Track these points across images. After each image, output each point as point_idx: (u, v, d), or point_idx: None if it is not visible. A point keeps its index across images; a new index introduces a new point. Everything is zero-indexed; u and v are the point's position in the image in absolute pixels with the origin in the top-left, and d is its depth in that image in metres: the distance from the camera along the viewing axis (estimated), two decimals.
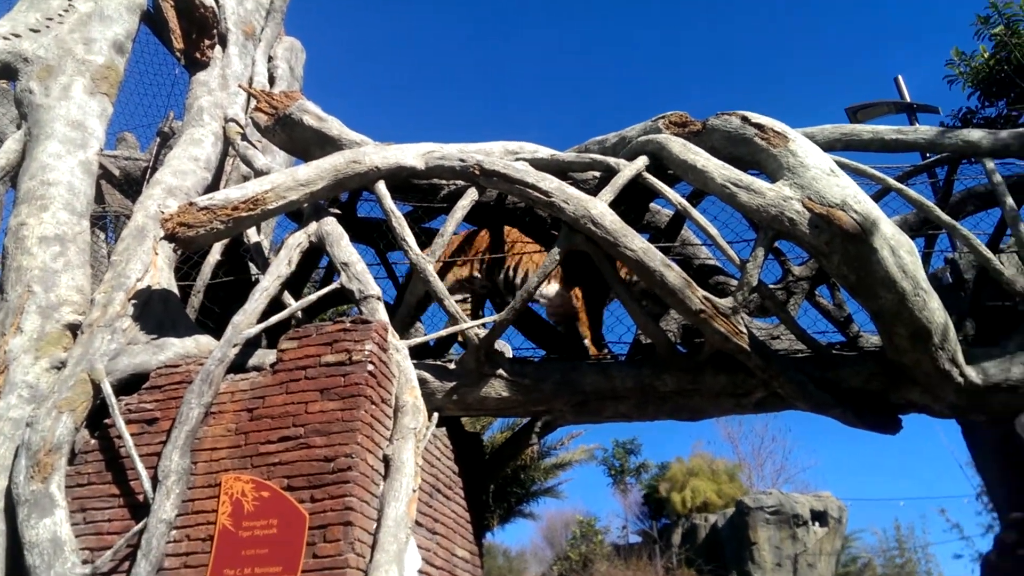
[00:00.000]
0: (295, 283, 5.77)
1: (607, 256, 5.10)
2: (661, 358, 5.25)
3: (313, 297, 5.25)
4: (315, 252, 5.73)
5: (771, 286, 6.08)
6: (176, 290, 5.73)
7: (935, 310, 4.53)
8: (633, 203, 6.05)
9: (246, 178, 6.83)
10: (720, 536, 24.44)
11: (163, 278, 5.60)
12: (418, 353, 5.53)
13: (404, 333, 5.51)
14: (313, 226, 5.44)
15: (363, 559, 3.83)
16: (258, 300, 4.88)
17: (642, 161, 5.45)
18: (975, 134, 5.55)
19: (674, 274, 4.86)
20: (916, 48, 70.48)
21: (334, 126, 6.08)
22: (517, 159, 5.67)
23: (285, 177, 5.24)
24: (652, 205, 6.67)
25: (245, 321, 4.73)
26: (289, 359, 4.43)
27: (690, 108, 5.74)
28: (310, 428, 4.15)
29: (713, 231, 5.11)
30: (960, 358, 4.75)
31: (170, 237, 4.97)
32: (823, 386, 4.99)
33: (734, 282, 5.51)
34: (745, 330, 4.90)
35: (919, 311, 4.48)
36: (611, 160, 5.56)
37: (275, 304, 5.17)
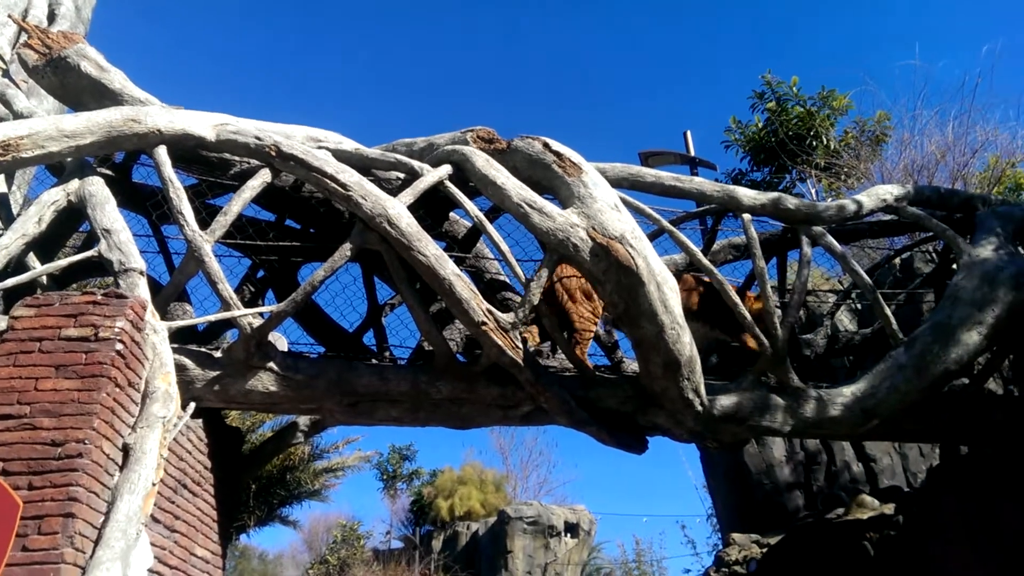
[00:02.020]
0: (47, 246, 5.13)
1: (399, 258, 5.06)
2: (439, 365, 5.29)
3: (63, 262, 4.68)
4: (76, 214, 5.13)
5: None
6: None
7: (687, 344, 4.98)
8: (433, 210, 6.07)
9: (3, 120, 5.98)
10: (479, 544, 25.13)
11: None
12: (183, 338, 5.14)
13: (167, 313, 5.09)
14: (75, 184, 4.87)
15: (83, 555, 3.45)
16: None
17: (446, 169, 5.49)
18: (739, 192, 6.20)
19: (462, 284, 4.93)
20: (707, 107, 78.08)
21: (116, 79, 5.51)
22: (319, 147, 5.48)
23: (47, 125, 4.65)
24: (452, 215, 6.74)
25: None
26: (22, 328, 3.90)
27: (493, 120, 5.88)
28: (38, 407, 3.68)
29: (504, 247, 5.26)
30: (702, 389, 5.26)
31: None
32: (584, 405, 5.30)
33: (519, 299, 5.70)
34: (521, 346, 5.08)
35: (673, 343, 4.91)
36: (416, 164, 5.54)
37: (18, 266, 4.56)
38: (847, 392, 5.59)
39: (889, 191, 6.52)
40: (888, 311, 5.87)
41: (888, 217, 7.02)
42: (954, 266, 6.66)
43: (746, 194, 6.17)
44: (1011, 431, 6.66)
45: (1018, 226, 6.30)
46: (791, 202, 6.14)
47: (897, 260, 9.67)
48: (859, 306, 10.39)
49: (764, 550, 8.87)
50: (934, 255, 9.32)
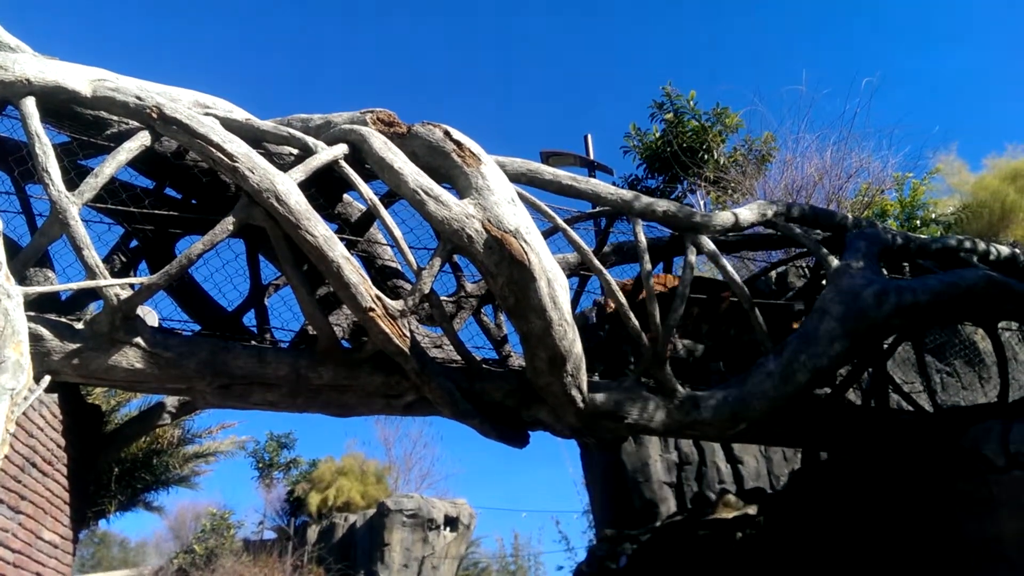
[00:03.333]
0: None
1: (285, 237, 4.87)
2: (322, 350, 5.14)
3: None
4: None
5: (444, 298, 6.33)
6: None
7: (573, 341, 5.06)
8: (327, 191, 5.89)
9: None
10: (356, 536, 24.72)
11: None
12: (43, 306, 4.76)
13: (27, 278, 4.70)
14: None
15: None
16: None
17: (341, 149, 5.33)
18: (631, 196, 6.35)
19: (351, 268, 4.80)
20: (609, 113, 79.84)
21: None
22: (207, 114, 5.20)
23: None
24: (346, 197, 6.57)
25: None
26: None
27: (395, 110, 5.73)
28: None
29: (398, 233, 5.16)
30: (585, 386, 5.36)
31: None
32: (469, 397, 5.29)
33: (410, 287, 5.62)
34: (409, 334, 5.01)
35: (559, 339, 4.97)
36: (310, 140, 5.35)
37: None
38: (719, 395, 5.83)
39: (769, 207, 6.85)
40: (761, 320, 6.17)
41: (767, 231, 7.39)
42: (823, 281, 7.08)
43: (637, 198, 6.33)
44: (867, 440, 7.15)
45: (883, 248, 6.76)
46: (679, 210, 6.34)
47: (773, 273, 10.18)
48: None
49: (634, 546, 9.16)
50: (806, 270, 9.90)
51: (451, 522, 24.81)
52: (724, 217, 6.47)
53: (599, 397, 5.53)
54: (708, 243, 6.27)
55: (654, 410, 5.69)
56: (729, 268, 6.19)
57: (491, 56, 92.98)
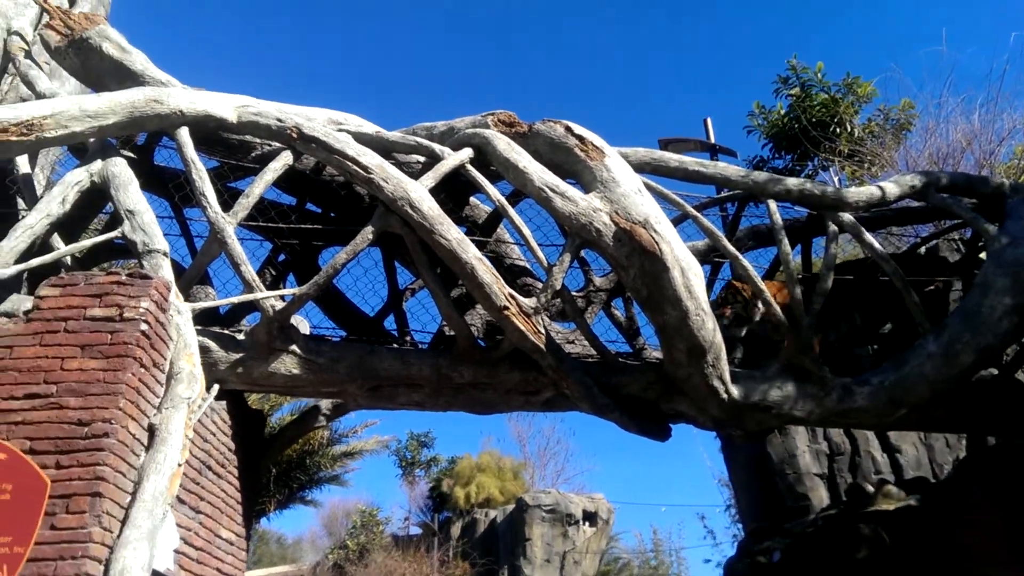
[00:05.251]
0: (70, 226, 5.15)
1: (421, 242, 5.04)
2: (460, 350, 5.27)
3: (87, 243, 4.70)
4: (99, 195, 5.15)
5: (573, 293, 6.34)
6: None
7: (712, 331, 4.92)
8: (454, 194, 6.03)
9: (25, 101, 6.00)
10: (497, 531, 25.19)
11: None
12: (205, 320, 5.15)
13: (190, 295, 5.10)
14: (98, 165, 4.89)
15: (110, 534, 3.46)
16: (19, 238, 4.29)
17: (467, 153, 5.44)
18: (763, 177, 6.11)
19: (484, 268, 4.90)
20: (728, 94, 77.36)
21: (138, 60, 5.52)
22: (340, 130, 5.45)
23: (70, 105, 4.66)
24: (472, 200, 6.70)
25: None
26: (48, 308, 3.92)
27: (516, 109, 5.79)
28: (64, 387, 3.69)
29: (526, 232, 5.21)
30: (727, 377, 5.19)
31: None
32: (606, 391, 5.26)
33: (540, 285, 5.66)
34: (544, 331, 5.05)
35: (698, 330, 4.85)
36: (436, 147, 5.50)
37: (43, 247, 4.58)
38: (874, 381, 5.50)
39: (917, 177, 6.39)
40: (916, 299, 5.77)
41: (913, 204, 6.89)
42: (982, 255, 6.53)
43: (771, 179, 6.08)
44: None
45: None
46: (818, 188, 6.04)
47: (922, 248, 9.50)
48: None
49: (788, 540, 8.79)
50: (960, 244, 9.16)
51: (589, 517, 24.78)
52: (868, 192, 6.10)
53: (743, 387, 5.35)
54: (851, 221, 5.93)
55: (803, 399, 5.44)
56: (877, 245, 5.83)
57: (603, 47, 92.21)
